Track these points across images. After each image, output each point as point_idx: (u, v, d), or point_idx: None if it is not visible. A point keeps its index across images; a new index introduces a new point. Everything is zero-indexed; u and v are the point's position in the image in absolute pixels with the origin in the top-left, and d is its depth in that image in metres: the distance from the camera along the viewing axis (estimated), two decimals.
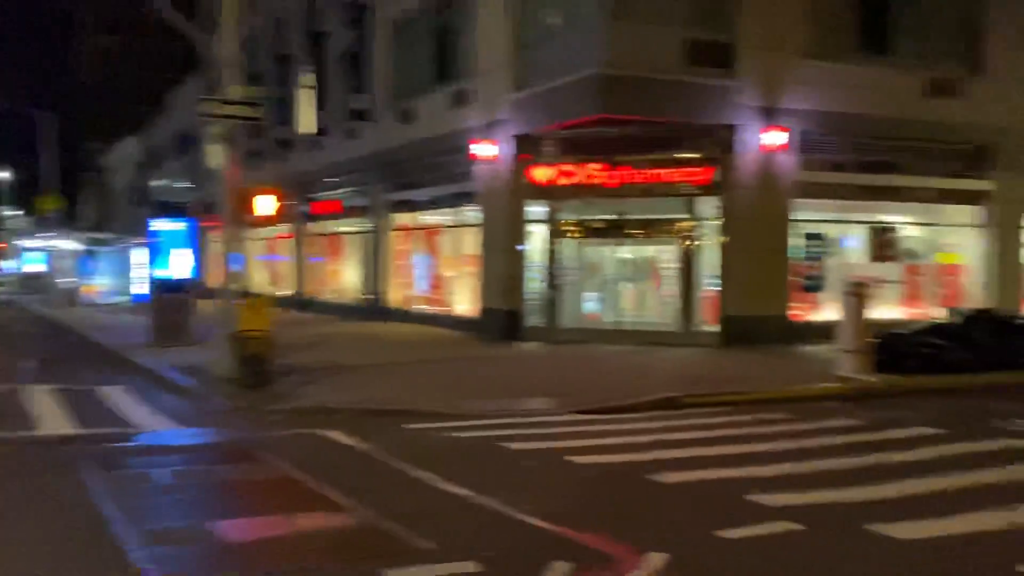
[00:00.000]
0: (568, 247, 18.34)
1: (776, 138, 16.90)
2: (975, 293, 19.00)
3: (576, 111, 16.70)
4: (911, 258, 19.21)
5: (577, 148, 17.49)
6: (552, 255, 18.14)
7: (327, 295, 27.78)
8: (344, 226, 26.80)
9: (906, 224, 19.31)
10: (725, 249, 17.09)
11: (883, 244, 19.01)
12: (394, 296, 23.67)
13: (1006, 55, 18.92)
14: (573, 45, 16.91)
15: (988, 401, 11.37)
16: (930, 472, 7.37)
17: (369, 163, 23.99)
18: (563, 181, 17.61)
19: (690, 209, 17.49)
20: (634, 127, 16.79)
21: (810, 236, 18.02)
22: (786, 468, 7.62)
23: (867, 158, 18.27)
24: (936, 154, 18.87)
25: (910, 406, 11.08)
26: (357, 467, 8.06)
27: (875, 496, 6.68)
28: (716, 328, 17.12)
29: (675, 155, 17.20)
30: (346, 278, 26.95)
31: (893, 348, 13.33)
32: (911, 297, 18.88)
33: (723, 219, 17.16)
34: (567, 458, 8.10)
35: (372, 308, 23.70)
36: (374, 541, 5.79)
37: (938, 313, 17.27)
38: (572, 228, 18.29)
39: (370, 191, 24.35)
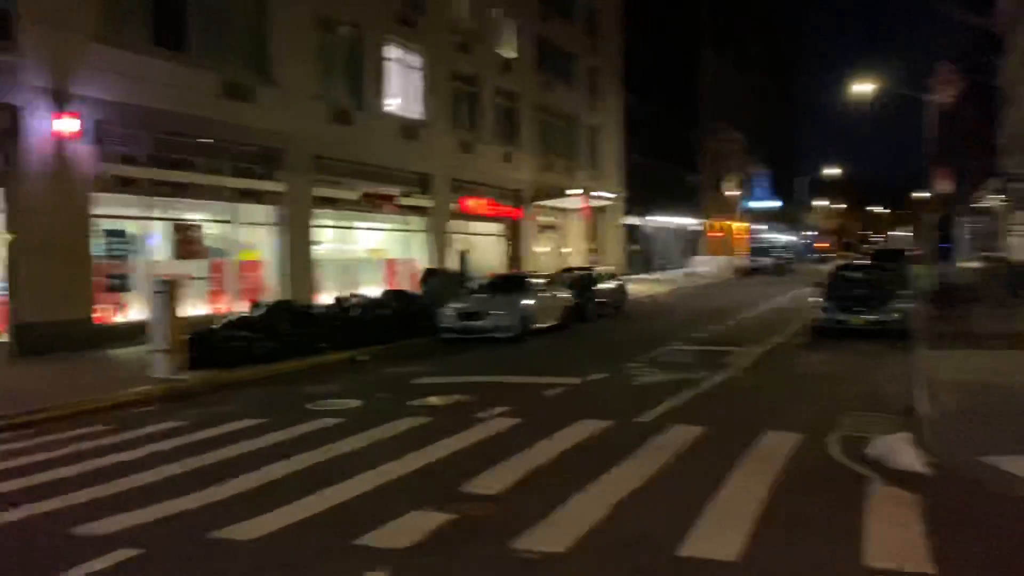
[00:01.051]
0: None
1: (68, 125, 15.46)
2: (274, 287, 20.51)
3: None
4: (216, 255, 19.73)
5: None
6: None
7: None
8: None
9: (209, 222, 19.76)
10: (14, 247, 14.98)
11: (188, 241, 19.13)
12: None
13: (291, 68, 20.86)
14: None
15: (297, 386, 12.30)
16: (260, 464, 7.56)
17: None
18: None
19: None
20: None
21: (113, 233, 17.03)
22: (112, 487, 6.96)
23: (168, 154, 18.09)
24: (234, 155, 19.78)
25: (230, 400, 11.34)
26: None
27: (212, 499, 6.55)
28: (6, 339, 14.93)
29: None
30: None
31: (206, 344, 13.51)
32: (217, 293, 19.40)
33: (9, 212, 15.01)
34: None
35: None
36: None
37: (243, 307, 18.09)
38: None
39: None
